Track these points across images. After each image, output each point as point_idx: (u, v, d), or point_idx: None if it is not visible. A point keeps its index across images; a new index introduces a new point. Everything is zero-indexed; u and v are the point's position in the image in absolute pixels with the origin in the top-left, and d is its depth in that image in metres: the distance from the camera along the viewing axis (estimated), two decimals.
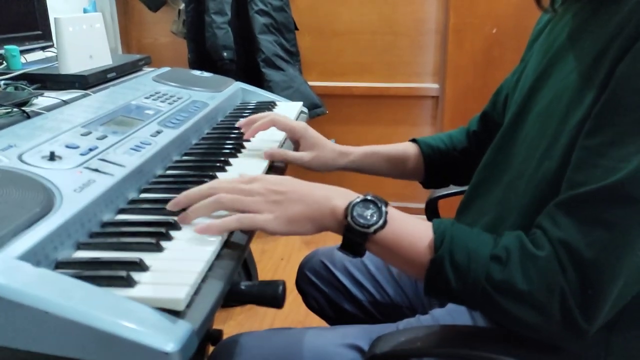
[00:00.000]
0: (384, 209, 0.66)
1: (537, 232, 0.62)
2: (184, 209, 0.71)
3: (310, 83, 2.39)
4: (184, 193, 0.71)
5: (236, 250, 0.68)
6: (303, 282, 1.13)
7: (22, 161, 0.73)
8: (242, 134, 1.04)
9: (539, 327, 0.60)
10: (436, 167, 1.07)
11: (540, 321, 0.60)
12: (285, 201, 0.69)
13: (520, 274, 0.60)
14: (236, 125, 1.05)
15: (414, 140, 1.09)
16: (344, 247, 0.68)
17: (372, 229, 0.65)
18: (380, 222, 0.66)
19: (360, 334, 0.82)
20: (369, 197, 0.67)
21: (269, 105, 1.31)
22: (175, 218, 0.69)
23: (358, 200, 0.67)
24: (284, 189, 0.70)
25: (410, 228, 0.67)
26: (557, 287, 0.58)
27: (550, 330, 0.60)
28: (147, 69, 1.45)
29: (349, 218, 0.66)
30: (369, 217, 0.66)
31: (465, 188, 0.91)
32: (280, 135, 1.09)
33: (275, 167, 0.99)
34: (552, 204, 0.62)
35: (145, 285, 0.55)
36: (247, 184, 0.71)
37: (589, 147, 0.61)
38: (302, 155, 1.00)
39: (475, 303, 0.63)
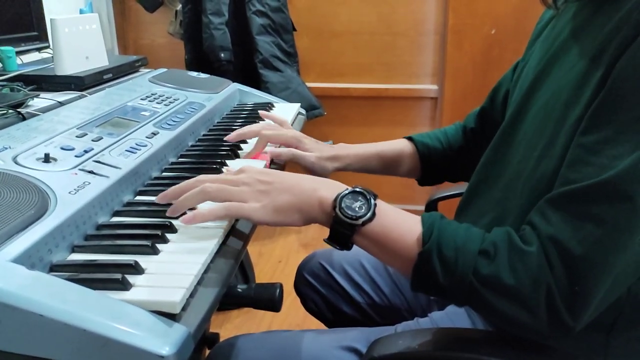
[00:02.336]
0: (372, 201, 0.66)
1: (527, 228, 0.62)
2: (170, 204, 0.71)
3: (308, 84, 2.39)
4: (172, 187, 0.71)
5: (233, 252, 0.67)
6: (301, 285, 1.13)
7: (16, 163, 0.73)
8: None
9: (525, 323, 0.60)
10: (432, 165, 1.07)
11: (525, 317, 0.59)
12: (272, 191, 0.69)
13: (507, 269, 0.59)
14: (225, 139, 1.01)
15: (409, 138, 1.08)
16: (331, 239, 0.68)
17: (360, 221, 0.65)
18: (369, 214, 0.65)
19: (358, 337, 0.82)
20: (357, 189, 0.67)
21: (266, 107, 1.30)
22: (171, 221, 0.69)
23: (347, 191, 0.67)
24: (271, 179, 0.70)
25: (399, 221, 0.67)
26: (543, 283, 0.58)
27: (536, 327, 0.60)
28: (143, 70, 1.44)
29: (337, 209, 0.65)
30: (357, 209, 0.65)
31: (464, 189, 0.90)
32: None
33: (273, 167, 0.99)
34: (543, 200, 0.62)
35: (141, 288, 0.55)
36: (234, 175, 0.72)
37: (583, 144, 0.60)
38: (309, 155, 0.99)
39: (462, 298, 0.62)
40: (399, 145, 1.07)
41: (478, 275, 0.60)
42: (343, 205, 0.66)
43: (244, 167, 0.73)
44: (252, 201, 0.68)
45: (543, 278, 0.58)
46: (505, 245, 0.61)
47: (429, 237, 0.63)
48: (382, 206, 0.67)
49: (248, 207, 0.67)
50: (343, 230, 0.66)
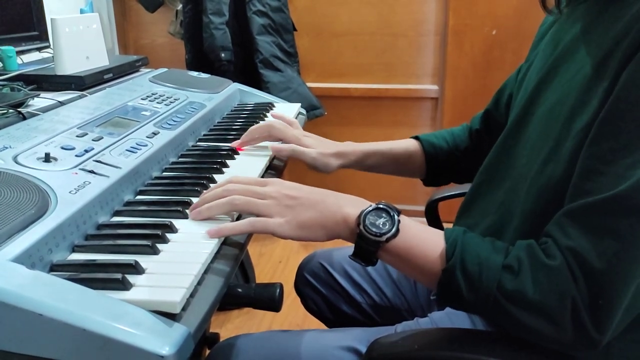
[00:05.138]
0: (396, 217, 0.66)
1: (548, 242, 0.61)
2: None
3: (309, 84, 2.38)
4: (202, 196, 0.73)
5: (233, 252, 0.67)
6: (302, 284, 1.13)
7: (17, 162, 0.73)
8: (240, 135, 1.03)
9: (551, 337, 0.60)
10: (438, 165, 1.07)
11: (551, 331, 0.59)
12: (297, 206, 0.69)
13: (532, 284, 0.59)
14: (232, 146, 1.02)
15: (416, 138, 1.08)
16: (356, 255, 0.68)
17: (384, 238, 0.65)
18: (393, 230, 0.65)
19: (358, 337, 0.81)
20: (381, 206, 0.67)
21: (267, 107, 1.31)
22: (171, 221, 0.69)
23: (370, 208, 0.67)
24: (298, 194, 0.70)
25: (423, 237, 0.67)
26: (568, 297, 0.57)
27: (562, 340, 0.59)
28: (144, 70, 1.44)
29: (361, 226, 0.66)
30: (381, 226, 0.66)
31: (465, 190, 0.90)
32: None
33: (274, 166, 0.99)
34: (561, 212, 0.61)
35: (141, 287, 0.55)
36: (262, 186, 0.72)
37: (595, 154, 0.60)
38: (310, 151, 0.99)
39: (486, 312, 0.62)
40: (406, 144, 1.07)
41: (502, 290, 0.60)
42: (367, 222, 0.66)
43: (272, 180, 0.74)
44: (277, 216, 0.69)
45: (568, 292, 0.57)
46: (529, 259, 0.60)
47: (452, 252, 0.63)
48: (405, 222, 0.67)
49: (273, 222, 0.68)
50: (367, 246, 0.66)
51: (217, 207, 0.70)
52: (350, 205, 0.69)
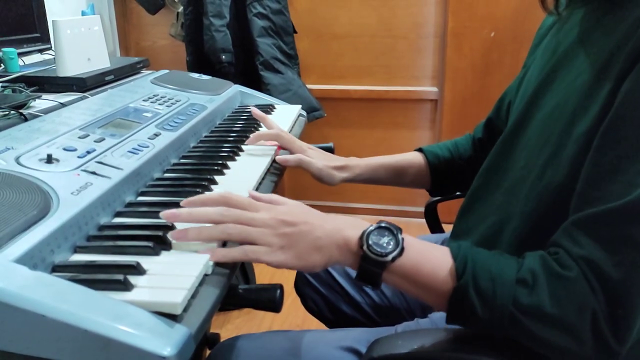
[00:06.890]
0: (399, 235, 0.64)
1: (559, 252, 0.60)
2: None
3: (309, 86, 2.39)
4: (188, 210, 0.67)
5: None
6: (302, 285, 1.13)
7: (19, 164, 0.73)
8: (240, 137, 1.04)
9: (570, 350, 0.59)
10: (442, 176, 1.07)
11: (571, 344, 0.58)
12: (294, 234, 0.66)
13: (549, 297, 0.58)
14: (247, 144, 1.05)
15: (419, 150, 1.09)
16: (360, 279, 0.65)
17: (389, 257, 0.63)
18: (398, 249, 0.63)
19: (358, 337, 0.82)
20: (383, 225, 0.65)
21: (267, 108, 1.31)
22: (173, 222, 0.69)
23: (372, 228, 0.65)
24: (294, 219, 0.67)
25: (428, 254, 0.65)
26: (588, 309, 0.56)
27: (582, 353, 0.58)
28: (145, 72, 1.45)
29: (364, 247, 0.63)
30: (385, 245, 0.63)
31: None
32: None
33: (274, 168, 0.99)
34: (570, 222, 0.60)
35: (142, 288, 0.55)
36: (255, 211, 0.68)
37: (601, 162, 0.59)
38: (316, 162, 1.00)
39: (502, 329, 0.61)
40: (409, 157, 1.08)
41: (519, 305, 0.59)
42: (370, 242, 0.64)
43: (265, 204, 0.70)
44: (273, 246, 0.65)
45: (587, 304, 0.56)
46: (543, 271, 0.59)
47: (462, 269, 0.62)
48: (409, 240, 0.65)
49: (266, 252, 0.65)
50: (372, 268, 0.63)
51: (209, 233, 0.66)
52: (350, 228, 0.66)
